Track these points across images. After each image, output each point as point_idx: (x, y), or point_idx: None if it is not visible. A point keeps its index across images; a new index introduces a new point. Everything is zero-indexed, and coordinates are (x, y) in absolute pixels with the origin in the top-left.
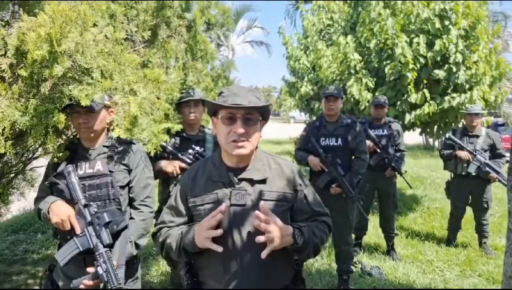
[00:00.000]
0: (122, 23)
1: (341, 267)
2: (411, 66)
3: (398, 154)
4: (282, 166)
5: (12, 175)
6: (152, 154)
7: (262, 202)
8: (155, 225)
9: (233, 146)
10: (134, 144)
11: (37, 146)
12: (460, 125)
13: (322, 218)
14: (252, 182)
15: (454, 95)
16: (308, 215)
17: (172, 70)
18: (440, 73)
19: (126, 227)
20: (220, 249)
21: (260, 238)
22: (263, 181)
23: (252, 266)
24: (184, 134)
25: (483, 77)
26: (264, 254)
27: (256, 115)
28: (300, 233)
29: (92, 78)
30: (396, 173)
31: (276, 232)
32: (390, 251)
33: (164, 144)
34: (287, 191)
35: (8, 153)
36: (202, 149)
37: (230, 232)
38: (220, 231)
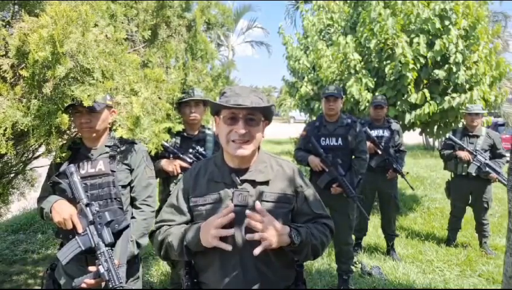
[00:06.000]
0: (122, 23)
1: (341, 267)
2: (411, 66)
3: (397, 154)
4: (284, 167)
5: (12, 175)
6: (153, 153)
7: (257, 202)
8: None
9: (234, 146)
10: (136, 143)
11: (37, 146)
12: (460, 125)
13: (323, 220)
14: (254, 183)
15: (454, 95)
16: (309, 218)
17: (173, 70)
18: (440, 73)
19: (128, 226)
20: (229, 247)
21: (254, 236)
22: (265, 183)
23: (253, 267)
24: (185, 133)
25: (483, 77)
26: (256, 251)
27: (259, 116)
28: (297, 233)
29: (93, 78)
30: (398, 174)
31: (271, 230)
32: (390, 251)
33: (165, 143)
34: (288, 192)
35: (8, 153)
36: (203, 149)
37: None
38: (232, 231)
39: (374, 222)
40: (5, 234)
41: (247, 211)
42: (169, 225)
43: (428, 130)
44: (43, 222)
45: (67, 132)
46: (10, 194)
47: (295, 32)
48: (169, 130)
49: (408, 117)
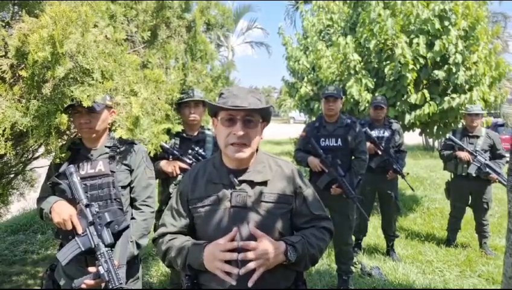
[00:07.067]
0: (122, 23)
1: (341, 267)
2: (411, 66)
3: (398, 154)
4: (283, 168)
5: (12, 175)
6: (152, 154)
7: (250, 225)
8: (155, 227)
9: (233, 150)
10: (135, 144)
11: (37, 146)
12: (460, 125)
13: (322, 223)
14: (252, 184)
15: (454, 95)
16: (307, 219)
17: (172, 70)
18: (440, 73)
19: (127, 227)
20: (233, 282)
21: (250, 265)
22: (264, 183)
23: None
24: (184, 134)
25: (483, 78)
26: (251, 282)
27: (257, 117)
28: (293, 249)
29: (93, 79)
30: (398, 175)
31: (265, 255)
32: (390, 251)
33: (164, 144)
34: (288, 193)
35: (8, 154)
36: (202, 149)
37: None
38: (236, 270)
39: (374, 223)
40: (4, 234)
41: (241, 242)
42: (171, 232)
43: (428, 130)
44: (43, 222)
45: (67, 132)
46: (10, 195)
47: (295, 33)
48: (168, 131)
49: (408, 117)
